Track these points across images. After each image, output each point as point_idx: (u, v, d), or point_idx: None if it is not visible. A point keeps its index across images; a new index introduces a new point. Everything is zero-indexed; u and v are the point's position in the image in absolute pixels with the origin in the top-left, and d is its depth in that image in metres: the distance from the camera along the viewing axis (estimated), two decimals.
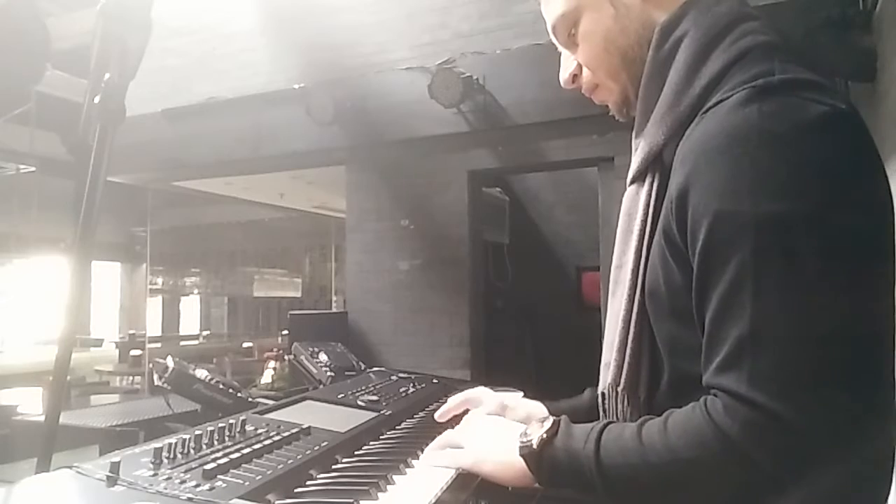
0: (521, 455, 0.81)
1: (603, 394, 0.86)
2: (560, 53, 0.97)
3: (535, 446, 0.79)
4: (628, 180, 0.89)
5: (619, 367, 0.82)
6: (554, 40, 0.96)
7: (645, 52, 0.85)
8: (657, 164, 0.83)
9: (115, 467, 0.84)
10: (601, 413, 0.88)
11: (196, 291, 10.07)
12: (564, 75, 0.96)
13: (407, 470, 1.03)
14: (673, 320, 0.77)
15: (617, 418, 0.84)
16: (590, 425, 0.78)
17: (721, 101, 0.72)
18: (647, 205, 0.82)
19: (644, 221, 0.82)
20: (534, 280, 5.26)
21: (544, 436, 0.79)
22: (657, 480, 0.71)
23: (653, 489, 0.72)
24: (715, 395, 0.69)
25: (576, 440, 0.77)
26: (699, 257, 0.70)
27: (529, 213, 5.52)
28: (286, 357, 3.14)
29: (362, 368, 2.67)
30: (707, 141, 0.71)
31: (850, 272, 0.66)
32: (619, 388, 0.82)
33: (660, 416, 0.78)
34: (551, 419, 0.81)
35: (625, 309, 0.82)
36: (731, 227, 0.68)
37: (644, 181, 0.84)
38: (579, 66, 0.93)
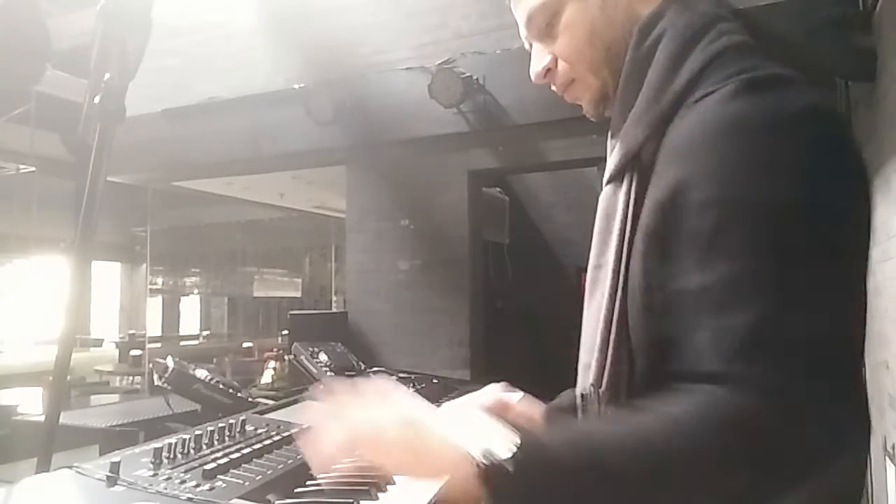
0: (479, 463, 0.66)
1: (583, 395, 0.84)
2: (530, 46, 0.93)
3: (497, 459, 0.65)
4: (605, 180, 0.88)
5: (601, 369, 0.80)
6: (523, 31, 0.93)
7: (628, 47, 0.84)
8: (636, 164, 0.82)
9: (115, 467, 0.84)
10: (581, 417, 0.86)
11: (196, 291, 10.07)
12: (537, 68, 0.91)
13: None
14: (655, 320, 0.76)
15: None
16: (559, 429, 0.74)
17: (707, 93, 0.72)
18: (627, 204, 0.80)
19: (624, 221, 0.80)
20: (534, 280, 5.26)
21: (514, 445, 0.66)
22: (662, 454, 0.65)
23: (656, 466, 0.65)
24: (714, 382, 0.65)
25: (550, 450, 0.67)
26: (695, 246, 0.69)
27: (529, 213, 5.52)
28: (286, 357, 3.14)
29: (362, 368, 2.67)
30: (700, 131, 0.71)
31: (843, 266, 0.67)
32: (602, 390, 0.80)
33: None
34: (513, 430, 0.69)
35: (606, 309, 0.80)
36: (730, 214, 0.67)
37: (622, 181, 0.83)
38: (554, 60, 0.90)
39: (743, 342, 0.65)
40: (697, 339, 0.69)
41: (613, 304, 0.80)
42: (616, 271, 0.80)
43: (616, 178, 0.85)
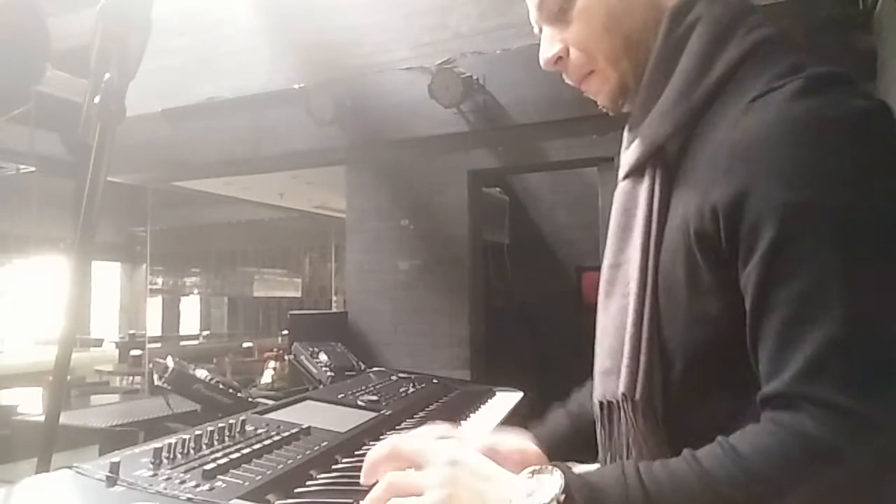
0: None
1: (604, 403, 0.78)
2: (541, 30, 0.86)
3: None
4: (622, 175, 0.82)
5: (633, 375, 0.73)
6: (534, 14, 0.85)
7: (649, 37, 0.78)
8: (659, 158, 0.77)
9: (114, 467, 0.84)
10: (600, 427, 0.80)
11: (196, 291, 10.07)
12: (547, 55, 0.84)
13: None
14: (690, 323, 0.71)
15: (628, 431, 0.75)
16: (609, 469, 0.64)
17: (768, 90, 0.67)
18: (651, 200, 0.76)
19: (648, 218, 0.75)
20: (534, 280, 5.26)
21: (561, 498, 0.61)
22: None
23: None
24: (792, 407, 0.61)
25: (607, 493, 0.61)
26: (766, 253, 0.63)
27: (529, 213, 5.51)
28: (286, 357, 3.14)
29: (362, 368, 2.67)
30: (766, 132, 0.65)
31: None
32: (636, 397, 0.73)
33: (677, 427, 0.72)
34: (556, 472, 0.63)
35: (634, 311, 0.74)
36: (810, 220, 0.62)
37: (643, 176, 0.78)
38: (566, 49, 0.83)
39: (810, 361, 0.60)
40: (761, 354, 0.64)
41: (643, 306, 0.74)
42: (643, 270, 0.75)
43: (636, 172, 0.80)
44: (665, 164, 0.77)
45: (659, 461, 0.64)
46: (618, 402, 0.76)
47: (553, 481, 0.62)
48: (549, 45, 0.84)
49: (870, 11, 2.50)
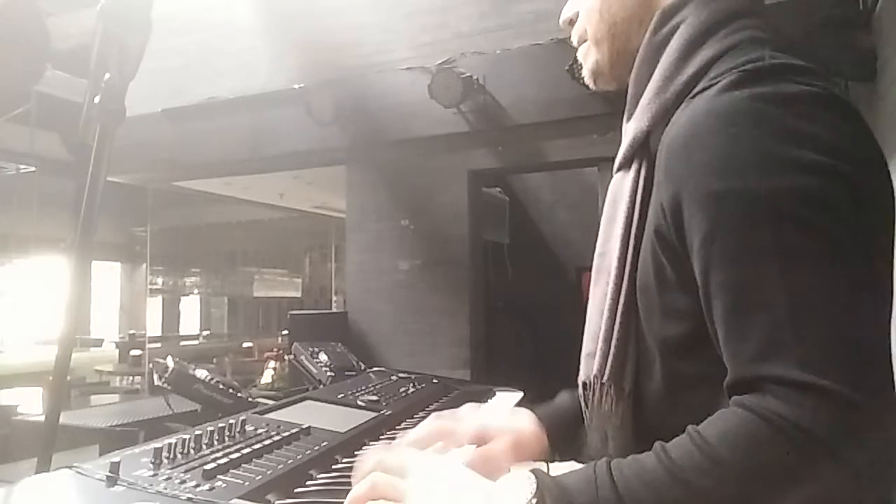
0: None
1: (584, 383, 0.82)
2: None
3: None
4: (615, 167, 0.86)
5: (605, 357, 0.78)
6: None
7: (633, 31, 0.83)
8: (643, 152, 0.80)
9: (115, 467, 0.84)
10: (582, 405, 0.84)
11: (196, 291, 10.07)
12: (564, 15, 0.92)
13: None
14: (664, 318, 0.74)
15: (600, 410, 0.79)
16: (583, 470, 0.65)
17: (708, 86, 0.70)
18: (634, 192, 0.79)
19: (630, 209, 0.79)
20: (534, 280, 5.26)
21: (533, 502, 0.62)
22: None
23: None
24: (754, 390, 0.62)
25: (578, 493, 0.62)
26: (702, 245, 0.66)
27: (529, 213, 5.52)
28: (286, 357, 3.14)
29: (362, 368, 2.67)
30: (696, 124, 0.68)
31: (861, 244, 0.63)
32: (604, 379, 0.78)
33: (654, 412, 0.75)
34: (529, 479, 0.64)
35: (611, 298, 0.78)
36: (738, 206, 0.63)
37: (630, 168, 0.82)
38: (577, 14, 0.90)
39: (762, 344, 0.61)
40: (722, 345, 0.65)
41: (618, 294, 0.78)
42: (621, 259, 0.78)
43: (625, 165, 0.83)
44: (649, 157, 0.79)
45: (632, 456, 0.64)
46: (592, 382, 0.80)
47: (526, 487, 0.63)
48: (570, 5, 0.91)
49: (870, 11, 2.50)
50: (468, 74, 3.45)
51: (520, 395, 1.93)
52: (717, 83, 0.69)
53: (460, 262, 4.03)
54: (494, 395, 1.92)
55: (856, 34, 2.51)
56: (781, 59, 0.68)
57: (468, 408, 0.99)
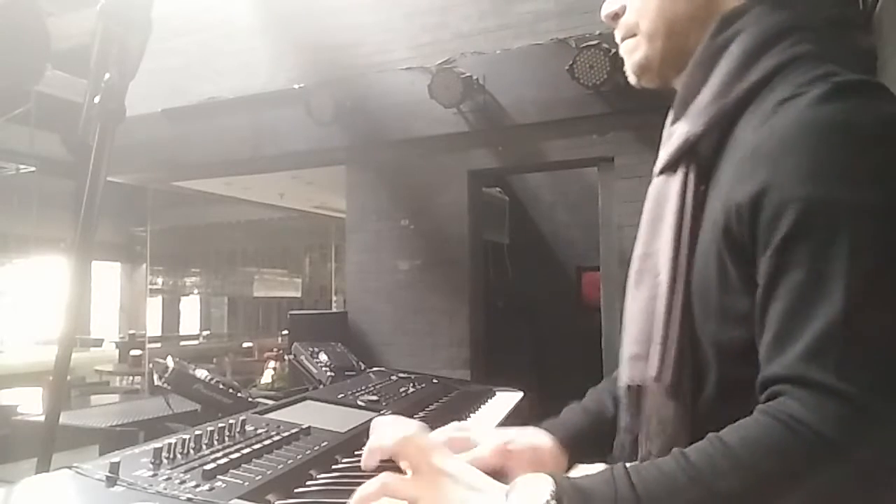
0: None
1: (633, 388, 0.81)
2: None
3: None
4: (657, 170, 0.85)
5: (662, 360, 0.76)
6: None
7: (692, 30, 0.83)
8: (692, 156, 0.80)
9: (114, 467, 0.84)
10: (625, 412, 0.82)
11: (196, 291, 10.08)
12: (608, 9, 0.89)
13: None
14: (722, 321, 0.73)
15: (653, 417, 0.78)
16: (600, 473, 0.64)
17: (796, 95, 0.70)
18: (683, 195, 0.79)
19: (680, 212, 0.78)
20: (534, 280, 5.26)
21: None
22: None
23: None
24: (783, 393, 0.62)
25: (596, 495, 0.62)
26: (778, 246, 0.66)
27: (529, 213, 5.52)
28: (286, 357, 3.14)
29: (362, 368, 2.67)
30: (790, 132, 0.68)
31: None
32: (666, 384, 0.76)
33: (707, 419, 0.73)
34: (546, 480, 0.64)
35: (666, 299, 0.77)
36: (820, 213, 0.64)
37: (676, 171, 0.81)
38: (623, 7, 0.88)
39: (809, 346, 0.62)
40: (767, 344, 0.66)
41: (673, 295, 0.77)
42: (674, 261, 0.77)
43: (669, 168, 0.83)
44: (698, 162, 0.79)
45: (650, 461, 0.65)
46: (646, 385, 0.78)
47: (544, 488, 0.62)
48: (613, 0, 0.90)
49: (870, 11, 2.50)
50: (468, 74, 3.45)
51: (520, 395, 1.93)
52: (806, 92, 0.69)
53: (460, 262, 4.03)
54: (494, 395, 1.92)
55: (856, 34, 2.51)
56: (860, 76, 0.70)
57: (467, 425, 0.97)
